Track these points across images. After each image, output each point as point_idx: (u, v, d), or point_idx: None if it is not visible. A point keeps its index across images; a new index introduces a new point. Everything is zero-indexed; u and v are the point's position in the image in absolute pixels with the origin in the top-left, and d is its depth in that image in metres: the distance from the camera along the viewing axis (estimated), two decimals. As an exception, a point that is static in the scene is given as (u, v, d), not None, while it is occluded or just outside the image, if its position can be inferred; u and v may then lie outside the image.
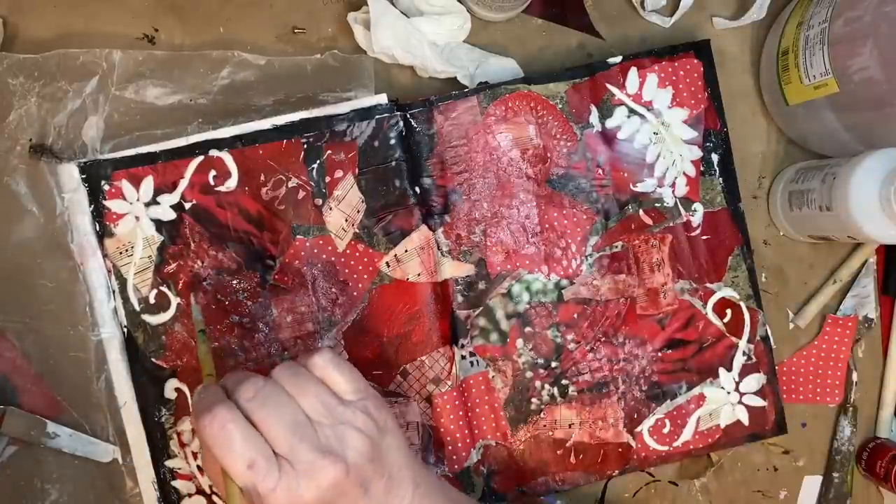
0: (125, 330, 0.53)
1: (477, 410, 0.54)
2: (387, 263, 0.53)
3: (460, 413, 0.54)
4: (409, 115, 0.53)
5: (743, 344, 0.56)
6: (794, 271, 0.59)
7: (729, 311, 0.56)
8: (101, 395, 0.53)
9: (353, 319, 0.53)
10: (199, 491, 0.53)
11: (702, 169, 0.55)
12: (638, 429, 0.55)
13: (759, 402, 0.56)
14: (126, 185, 0.52)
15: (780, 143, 0.59)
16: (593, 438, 0.55)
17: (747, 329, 0.56)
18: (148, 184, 0.52)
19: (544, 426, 0.55)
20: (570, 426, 0.55)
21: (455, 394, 0.54)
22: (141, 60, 0.54)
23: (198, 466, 0.53)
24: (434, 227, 0.53)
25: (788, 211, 0.56)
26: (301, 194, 0.53)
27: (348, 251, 0.53)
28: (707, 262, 0.55)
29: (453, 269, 0.54)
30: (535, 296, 0.54)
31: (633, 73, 0.54)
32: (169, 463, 0.53)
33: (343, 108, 0.53)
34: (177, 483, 0.53)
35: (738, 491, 0.58)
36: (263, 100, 0.54)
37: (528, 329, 0.54)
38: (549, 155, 0.54)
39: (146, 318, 0.52)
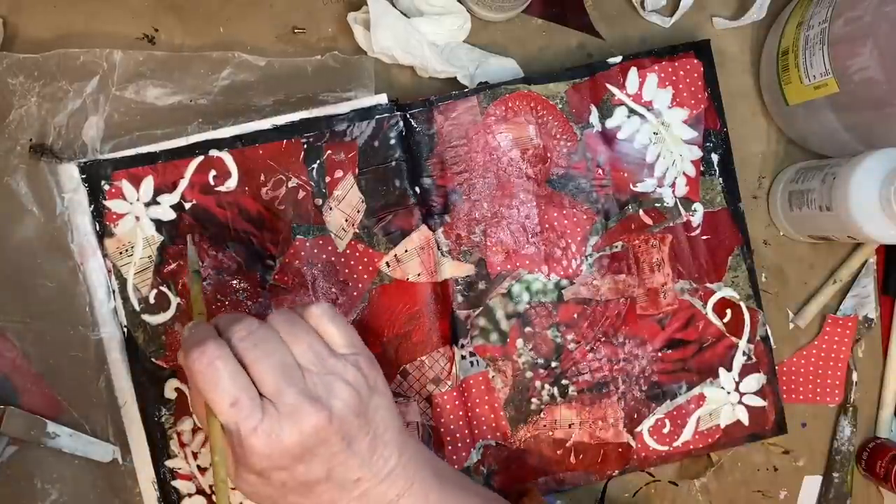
0: (125, 330, 0.53)
1: (477, 410, 0.54)
2: (387, 263, 0.53)
3: (460, 413, 0.54)
4: (409, 115, 0.53)
5: (743, 344, 0.56)
6: (794, 271, 0.59)
7: (729, 311, 0.56)
8: (101, 395, 0.53)
9: (353, 319, 0.53)
10: (199, 491, 0.53)
11: (702, 169, 0.55)
12: (638, 429, 0.55)
13: (759, 402, 0.56)
14: (126, 185, 0.52)
15: (780, 143, 0.59)
16: (593, 438, 0.55)
17: (747, 329, 0.56)
18: (148, 184, 0.52)
19: (544, 426, 0.55)
20: (570, 426, 0.55)
21: (455, 394, 0.54)
22: (141, 61, 0.54)
23: (198, 466, 0.53)
24: (434, 227, 0.53)
25: (788, 211, 0.56)
26: (301, 194, 0.53)
27: (348, 251, 0.53)
28: (707, 262, 0.56)
29: (453, 269, 0.54)
30: (535, 296, 0.54)
31: (633, 73, 0.54)
32: (169, 463, 0.53)
33: (343, 108, 0.53)
34: (177, 483, 0.53)
35: (738, 491, 0.58)
36: (263, 100, 0.54)
37: (528, 329, 0.54)
38: (549, 155, 0.54)
39: (146, 318, 0.52)
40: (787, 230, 0.58)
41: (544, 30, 0.57)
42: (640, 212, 0.55)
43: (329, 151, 0.53)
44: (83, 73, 0.53)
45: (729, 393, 0.56)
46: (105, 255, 0.52)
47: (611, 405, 0.55)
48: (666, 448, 0.55)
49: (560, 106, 0.54)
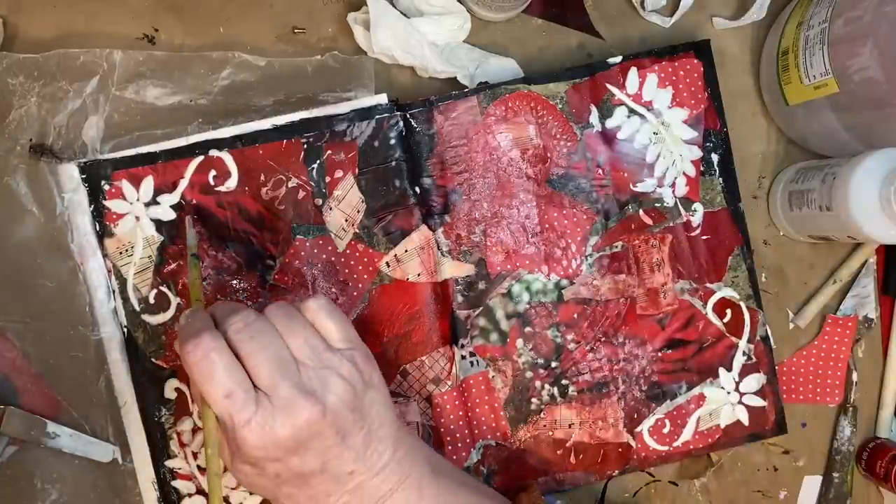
0: (125, 330, 0.53)
1: (477, 410, 0.54)
2: (387, 263, 0.53)
3: (460, 413, 0.54)
4: (409, 115, 0.53)
5: (743, 344, 0.56)
6: (794, 271, 0.59)
7: (729, 311, 0.56)
8: (101, 395, 0.53)
9: (353, 319, 0.53)
10: (199, 491, 0.53)
11: (702, 169, 0.55)
12: (638, 429, 0.55)
13: (759, 402, 0.56)
14: (126, 185, 0.52)
15: (780, 143, 0.59)
16: (593, 438, 0.55)
17: (747, 329, 0.56)
18: (148, 184, 0.52)
19: (544, 426, 0.55)
20: (570, 426, 0.55)
21: (455, 394, 0.54)
22: (141, 61, 0.54)
23: (198, 466, 0.53)
24: (434, 227, 0.53)
25: (788, 211, 0.56)
26: (301, 194, 0.53)
27: (348, 251, 0.53)
28: (707, 262, 0.56)
29: (453, 269, 0.54)
30: (535, 296, 0.54)
31: (633, 73, 0.54)
32: (169, 463, 0.53)
33: (343, 108, 0.53)
34: (177, 483, 0.53)
35: (738, 491, 0.58)
36: (263, 100, 0.54)
37: (528, 329, 0.54)
38: (549, 155, 0.54)
39: (146, 318, 0.52)
40: (787, 230, 0.58)
41: (544, 30, 0.57)
42: (640, 212, 0.55)
43: (329, 151, 0.53)
44: (83, 73, 0.53)
45: (729, 393, 0.56)
46: (105, 255, 0.52)
47: (611, 405, 0.55)
48: (666, 448, 0.55)
49: (560, 106, 0.54)
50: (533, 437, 0.55)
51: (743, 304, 0.56)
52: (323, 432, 0.40)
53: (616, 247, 0.55)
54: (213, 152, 0.52)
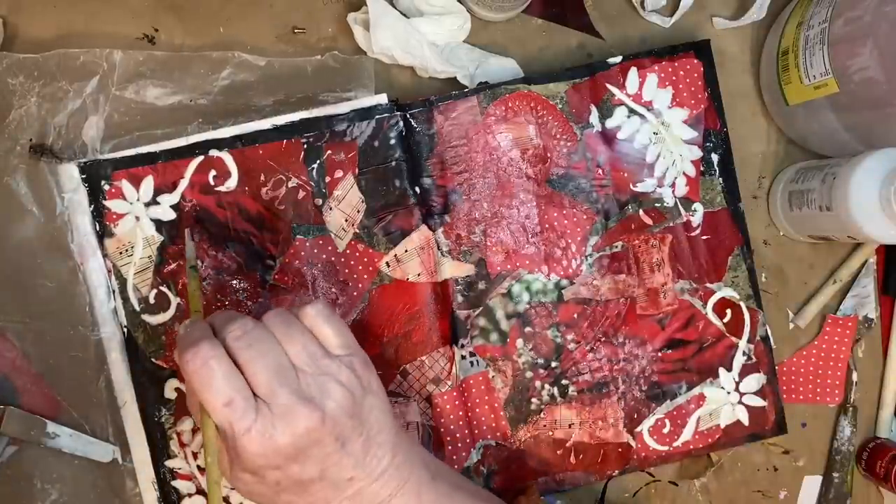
0: (125, 330, 0.53)
1: (477, 410, 0.54)
2: (387, 263, 0.53)
3: (460, 413, 0.54)
4: (409, 115, 0.53)
5: (743, 344, 0.56)
6: (794, 271, 0.59)
7: (729, 311, 0.56)
8: (101, 395, 0.53)
9: (353, 319, 0.53)
10: (199, 491, 0.53)
11: (702, 169, 0.55)
12: (638, 429, 0.55)
13: (759, 402, 0.56)
14: (126, 185, 0.52)
15: (780, 143, 0.59)
16: (593, 438, 0.55)
17: (747, 329, 0.56)
18: (148, 184, 0.52)
19: (544, 426, 0.55)
20: (570, 426, 0.55)
21: (455, 394, 0.54)
22: (141, 61, 0.54)
23: (198, 466, 0.53)
24: (434, 227, 0.53)
25: (788, 211, 0.56)
26: (301, 194, 0.53)
27: (348, 251, 0.53)
28: (707, 262, 0.56)
29: (453, 269, 0.54)
30: (535, 296, 0.54)
31: (633, 73, 0.54)
32: (169, 463, 0.53)
33: (343, 108, 0.53)
34: (177, 483, 0.53)
35: (738, 491, 0.58)
36: (263, 100, 0.54)
37: (528, 329, 0.54)
38: (549, 155, 0.54)
39: (146, 318, 0.52)
40: (787, 230, 0.58)
41: (544, 30, 0.57)
42: (640, 212, 0.55)
43: (329, 151, 0.53)
44: (83, 73, 0.53)
45: (729, 393, 0.56)
46: (105, 255, 0.52)
47: (611, 405, 0.55)
48: (666, 448, 0.55)
49: (560, 106, 0.54)
50: (533, 437, 0.55)
51: (743, 304, 0.56)
52: (322, 439, 0.40)
53: (616, 247, 0.55)
54: (213, 152, 0.52)
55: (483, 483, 0.54)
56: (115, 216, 0.52)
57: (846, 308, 0.58)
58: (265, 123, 0.52)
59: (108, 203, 0.52)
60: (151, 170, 0.52)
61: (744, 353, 0.56)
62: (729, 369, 0.56)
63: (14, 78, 0.53)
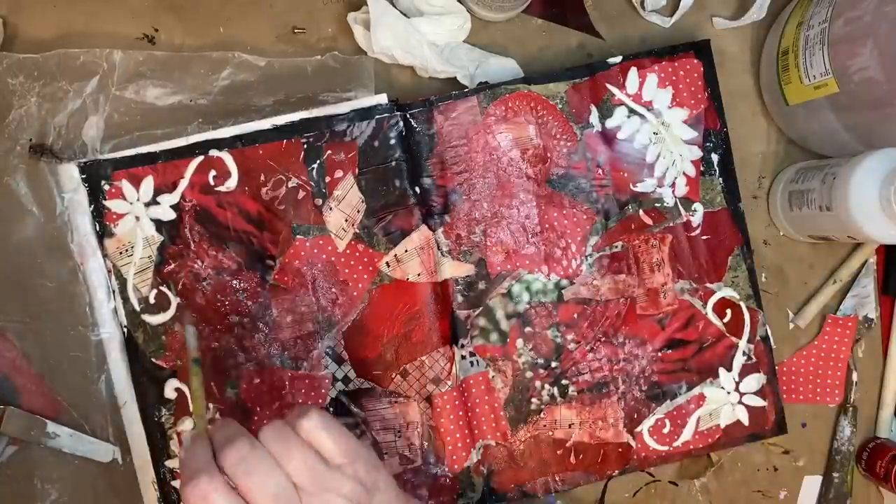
0: (125, 330, 0.53)
1: (477, 410, 0.54)
2: (387, 263, 0.53)
3: (460, 413, 0.54)
4: (409, 115, 0.53)
5: (743, 344, 0.56)
6: (794, 271, 0.59)
7: (729, 311, 0.56)
8: (101, 395, 0.53)
9: (353, 319, 0.53)
10: (199, 491, 0.53)
11: (702, 169, 0.55)
12: (638, 429, 0.55)
13: (759, 402, 0.56)
14: (126, 185, 0.52)
15: (780, 143, 0.59)
16: (593, 438, 0.55)
17: (747, 329, 0.56)
18: (148, 184, 0.52)
19: (544, 426, 0.55)
20: (570, 426, 0.55)
21: (455, 394, 0.54)
22: (141, 61, 0.54)
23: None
24: (434, 227, 0.53)
25: (788, 211, 0.56)
26: (301, 194, 0.53)
27: (348, 251, 0.53)
28: (707, 262, 0.55)
29: (453, 269, 0.54)
30: (535, 296, 0.54)
31: (633, 73, 0.54)
32: (169, 463, 0.53)
33: (343, 108, 0.53)
34: (177, 483, 0.53)
35: (738, 491, 0.58)
36: (263, 100, 0.54)
37: (528, 329, 0.54)
38: (549, 155, 0.54)
39: (146, 318, 0.52)
40: (787, 230, 0.58)
41: (544, 30, 0.57)
42: (640, 212, 0.55)
43: (329, 151, 0.53)
44: (83, 73, 0.53)
45: (729, 393, 0.56)
46: (105, 255, 0.52)
47: (611, 405, 0.55)
48: (666, 448, 0.55)
49: (560, 106, 0.54)
50: (533, 437, 0.55)
51: (743, 304, 0.56)
52: None
53: (616, 247, 0.55)
54: (213, 152, 0.52)
55: (483, 483, 0.54)
56: (115, 216, 0.52)
57: (846, 308, 0.58)
58: (265, 123, 0.52)
59: (108, 203, 0.52)
60: (151, 170, 0.52)
61: (744, 353, 0.56)
62: (729, 369, 0.56)
63: (14, 78, 0.53)
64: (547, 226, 0.54)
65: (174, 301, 0.52)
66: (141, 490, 0.53)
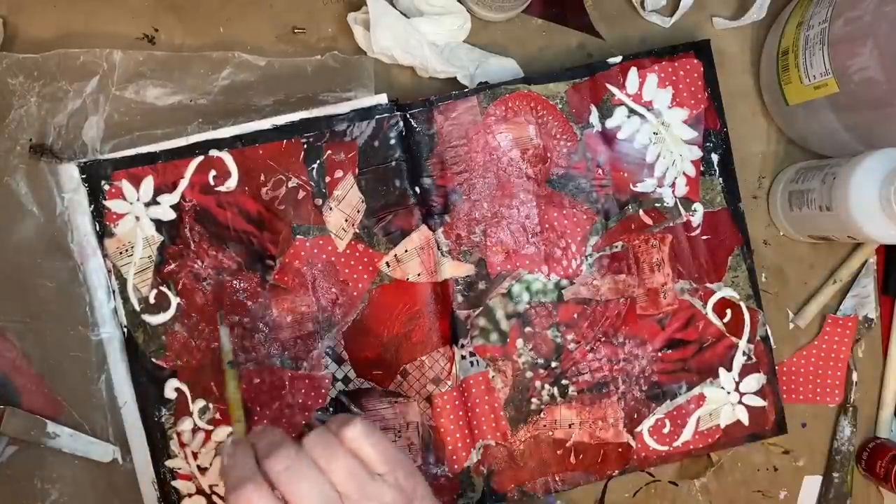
0: (125, 330, 0.53)
1: (477, 410, 0.54)
2: (387, 263, 0.53)
3: (460, 413, 0.54)
4: (409, 115, 0.53)
5: (743, 344, 0.56)
6: (794, 271, 0.59)
7: (729, 311, 0.56)
8: (101, 395, 0.53)
9: (353, 319, 0.53)
10: (199, 491, 0.53)
11: (702, 169, 0.55)
12: (638, 429, 0.55)
13: (759, 402, 0.56)
14: (126, 185, 0.52)
15: (780, 143, 0.59)
16: (593, 438, 0.55)
17: (747, 329, 0.56)
18: (148, 184, 0.52)
19: (544, 426, 0.55)
20: (570, 426, 0.55)
21: (455, 394, 0.54)
22: (141, 61, 0.54)
23: (198, 466, 0.53)
24: (434, 227, 0.53)
25: (788, 211, 0.56)
26: (301, 194, 0.53)
27: (348, 251, 0.53)
28: (707, 262, 0.55)
29: (453, 269, 0.54)
30: (535, 296, 0.54)
31: (633, 73, 0.54)
32: (169, 463, 0.53)
33: (343, 108, 0.53)
34: (177, 483, 0.53)
35: (738, 491, 0.58)
36: (263, 100, 0.54)
37: (528, 329, 0.54)
38: (549, 155, 0.54)
39: (146, 318, 0.52)
40: (787, 230, 0.58)
41: (544, 30, 0.57)
42: (640, 212, 0.55)
43: (329, 151, 0.53)
44: (83, 73, 0.53)
45: (729, 393, 0.56)
46: (105, 255, 0.52)
47: (611, 405, 0.55)
48: (666, 448, 0.55)
49: (560, 106, 0.54)
50: (533, 437, 0.55)
51: (743, 304, 0.56)
52: None
53: (616, 247, 0.55)
54: (213, 152, 0.52)
55: (483, 483, 0.54)
56: (115, 216, 0.52)
57: (846, 308, 0.58)
58: (265, 123, 0.52)
59: (108, 203, 0.52)
60: (151, 170, 0.52)
61: (744, 353, 0.56)
62: (729, 369, 0.56)
63: (14, 78, 0.53)
64: (547, 226, 0.54)
65: (174, 301, 0.52)
66: (141, 490, 0.53)
